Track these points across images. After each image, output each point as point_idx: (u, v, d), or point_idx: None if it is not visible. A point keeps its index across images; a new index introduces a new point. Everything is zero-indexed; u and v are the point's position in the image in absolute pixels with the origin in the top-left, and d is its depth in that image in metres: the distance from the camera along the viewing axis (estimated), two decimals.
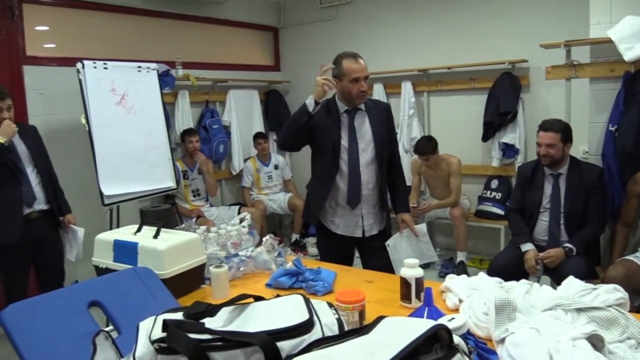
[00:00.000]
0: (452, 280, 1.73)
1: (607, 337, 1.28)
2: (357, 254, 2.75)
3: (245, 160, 5.54)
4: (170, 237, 1.84)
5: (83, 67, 3.69)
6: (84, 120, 3.71)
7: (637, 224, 3.06)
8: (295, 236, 5.45)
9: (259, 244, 2.19)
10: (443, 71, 4.94)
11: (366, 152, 2.54)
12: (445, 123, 5.11)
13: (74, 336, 1.25)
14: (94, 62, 3.78)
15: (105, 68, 3.84)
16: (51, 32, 4.23)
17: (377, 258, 2.60)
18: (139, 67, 4.13)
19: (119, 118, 3.89)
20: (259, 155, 5.49)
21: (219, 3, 5.33)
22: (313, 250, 5.09)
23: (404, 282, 1.65)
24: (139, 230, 1.92)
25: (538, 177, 3.12)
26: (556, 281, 2.72)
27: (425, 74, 5.12)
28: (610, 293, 1.44)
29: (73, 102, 3.81)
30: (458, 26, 4.94)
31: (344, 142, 2.52)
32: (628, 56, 2.94)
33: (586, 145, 3.45)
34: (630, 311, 1.42)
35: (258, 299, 1.16)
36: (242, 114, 5.62)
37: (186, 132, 4.81)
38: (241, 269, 2.02)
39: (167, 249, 1.75)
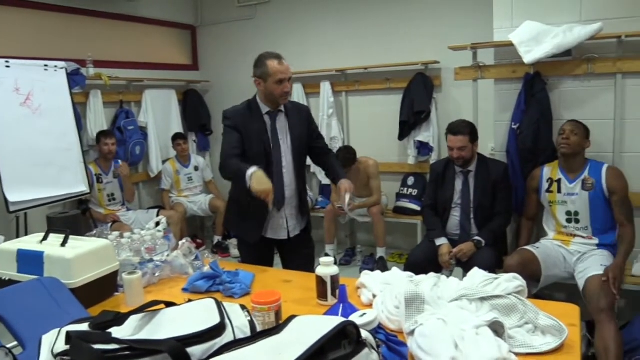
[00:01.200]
0: (366, 276, 1.78)
1: (508, 323, 1.37)
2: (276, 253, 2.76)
3: (163, 162, 5.38)
4: (79, 245, 1.77)
5: None
6: None
7: (539, 217, 3.27)
8: (217, 238, 5.36)
9: (176, 247, 2.15)
10: (360, 71, 5.04)
11: (287, 154, 2.55)
12: (363, 122, 5.22)
13: None
14: None
15: (8, 66, 3.60)
16: None
17: (298, 256, 2.65)
18: (46, 65, 3.91)
19: (24, 119, 3.66)
20: (179, 157, 5.35)
21: (132, 0, 5.14)
22: (235, 252, 5.03)
23: (320, 281, 1.68)
24: (45, 238, 1.83)
25: (449, 175, 3.26)
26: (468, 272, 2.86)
27: (343, 74, 5.20)
28: (510, 282, 1.54)
29: None
30: (374, 28, 5.05)
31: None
32: (527, 58, 3.14)
33: (493, 142, 3.64)
34: (528, 298, 1.53)
35: (169, 304, 1.15)
36: (160, 114, 5.46)
37: (102, 134, 4.59)
38: (156, 274, 1.98)
39: (75, 257, 1.68)
